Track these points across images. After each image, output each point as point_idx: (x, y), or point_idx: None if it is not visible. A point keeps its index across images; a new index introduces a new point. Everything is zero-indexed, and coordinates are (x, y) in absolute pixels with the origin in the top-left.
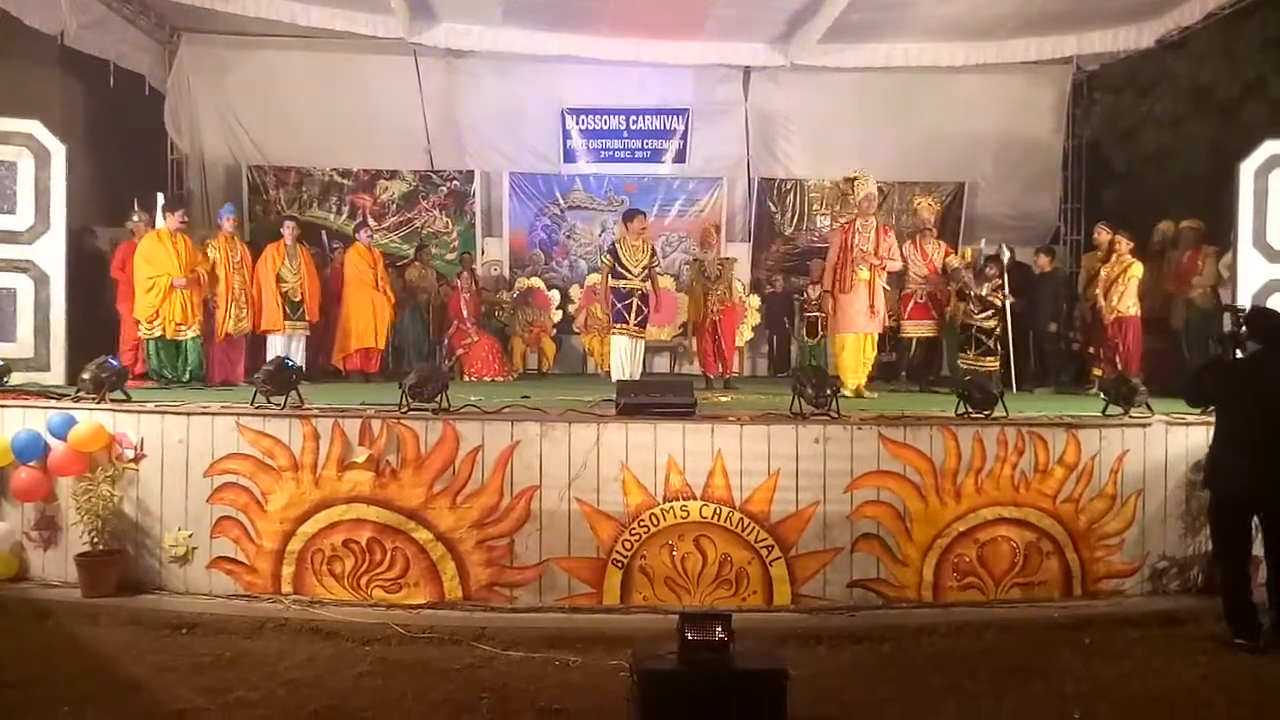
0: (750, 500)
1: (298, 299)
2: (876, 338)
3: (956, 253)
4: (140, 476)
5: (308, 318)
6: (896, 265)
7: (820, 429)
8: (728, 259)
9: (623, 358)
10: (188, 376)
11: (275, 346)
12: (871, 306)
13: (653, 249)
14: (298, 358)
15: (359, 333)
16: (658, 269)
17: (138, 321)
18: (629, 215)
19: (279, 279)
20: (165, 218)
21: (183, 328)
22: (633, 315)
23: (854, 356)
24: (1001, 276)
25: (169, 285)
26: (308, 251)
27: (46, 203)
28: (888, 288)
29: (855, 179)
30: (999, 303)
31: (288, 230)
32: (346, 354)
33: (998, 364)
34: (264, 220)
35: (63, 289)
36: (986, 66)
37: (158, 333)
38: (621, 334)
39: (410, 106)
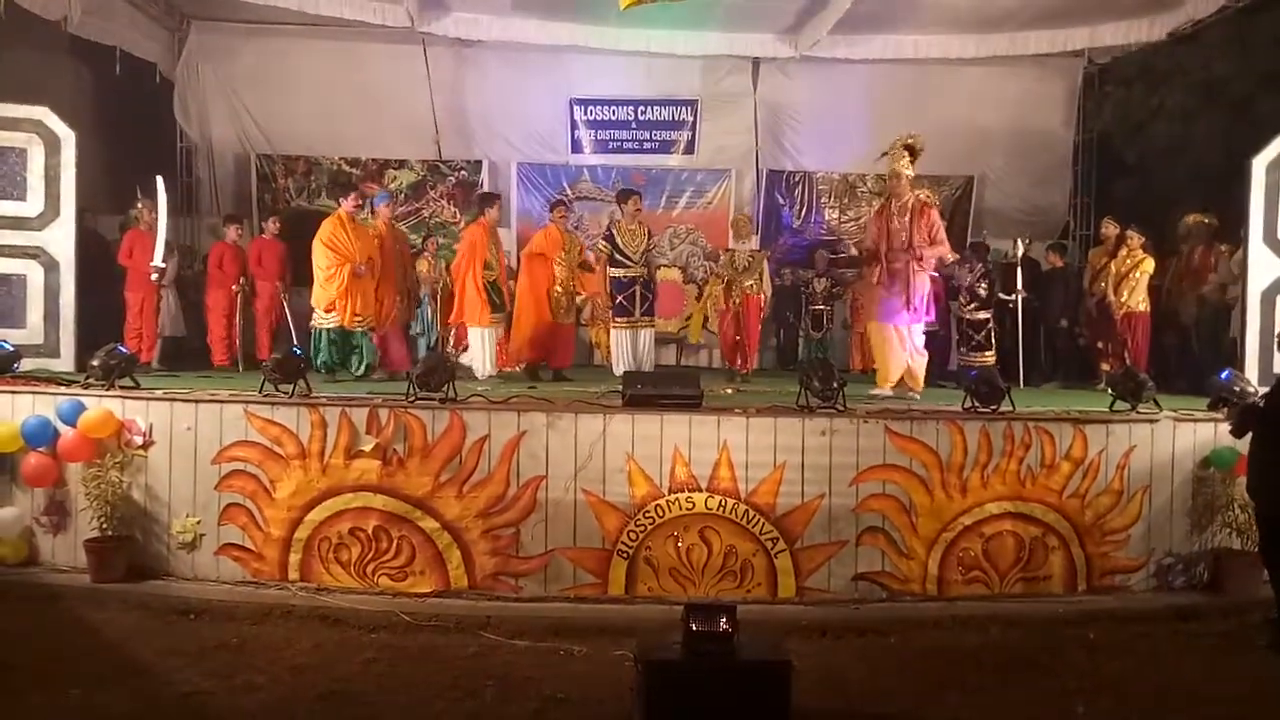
0: (756, 492)
1: (502, 289)
2: (920, 333)
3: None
4: (149, 463)
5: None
6: (941, 252)
7: (826, 422)
8: (758, 251)
9: (626, 352)
10: (363, 370)
11: (473, 340)
12: (908, 301)
13: (649, 231)
14: (490, 354)
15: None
16: (661, 259)
17: (311, 310)
18: (624, 195)
19: (485, 266)
20: (340, 202)
21: (358, 319)
22: (638, 305)
23: (885, 347)
24: (988, 267)
25: (351, 272)
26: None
27: (56, 189)
28: (935, 274)
29: (893, 152)
30: (984, 294)
31: (492, 211)
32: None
33: (993, 358)
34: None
35: (72, 275)
36: (997, 59)
37: (333, 323)
38: (627, 327)
39: (418, 96)
